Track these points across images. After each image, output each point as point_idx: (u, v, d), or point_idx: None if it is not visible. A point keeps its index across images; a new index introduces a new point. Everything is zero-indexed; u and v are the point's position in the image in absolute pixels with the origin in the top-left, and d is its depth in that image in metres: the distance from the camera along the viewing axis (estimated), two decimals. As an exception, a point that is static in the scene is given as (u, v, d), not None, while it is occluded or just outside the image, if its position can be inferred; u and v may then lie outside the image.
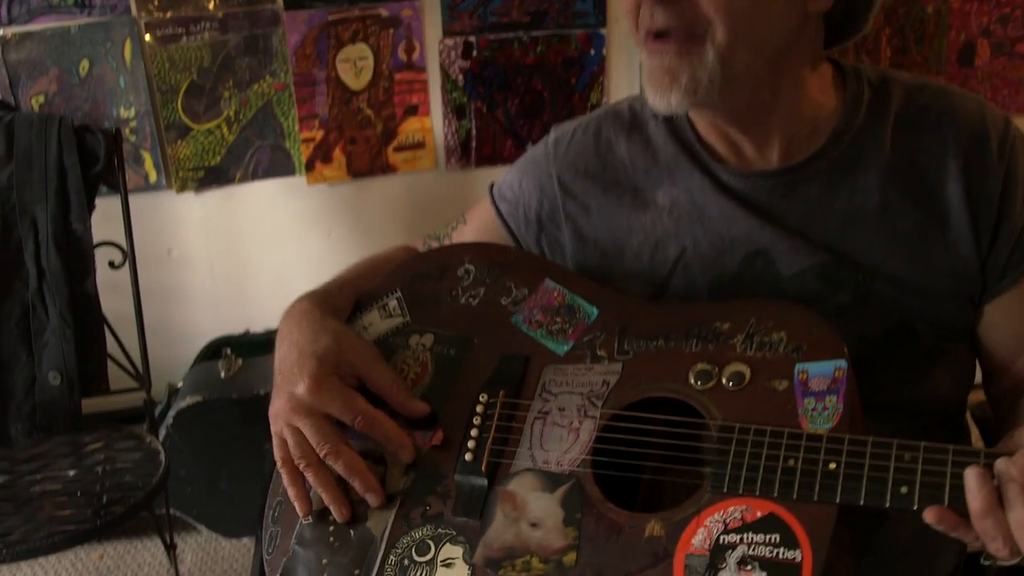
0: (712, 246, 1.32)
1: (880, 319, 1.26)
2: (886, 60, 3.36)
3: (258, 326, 3.20)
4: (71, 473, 2.14)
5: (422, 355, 1.32)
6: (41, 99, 2.92)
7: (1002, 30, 3.43)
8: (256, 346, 3.11)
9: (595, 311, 1.28)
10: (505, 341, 1.29)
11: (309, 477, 1.22)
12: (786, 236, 1.28)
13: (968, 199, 1.24)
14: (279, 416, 1.24)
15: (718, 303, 1.27)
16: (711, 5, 1.16)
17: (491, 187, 1.55)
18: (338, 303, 1.37)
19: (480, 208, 1.55)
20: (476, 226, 1.53)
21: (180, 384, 2.94)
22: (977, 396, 1.41)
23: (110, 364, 2.33)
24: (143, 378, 2.44)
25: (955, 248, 1.25)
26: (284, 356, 1.29)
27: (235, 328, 3.19)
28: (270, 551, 1.24)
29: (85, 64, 2.93)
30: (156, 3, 2.91)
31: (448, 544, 1.15)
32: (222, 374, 2.86)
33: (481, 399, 1.25)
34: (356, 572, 1.17)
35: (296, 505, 1.23)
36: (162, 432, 2.70)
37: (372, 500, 1.20)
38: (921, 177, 1.27)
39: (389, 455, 1.24)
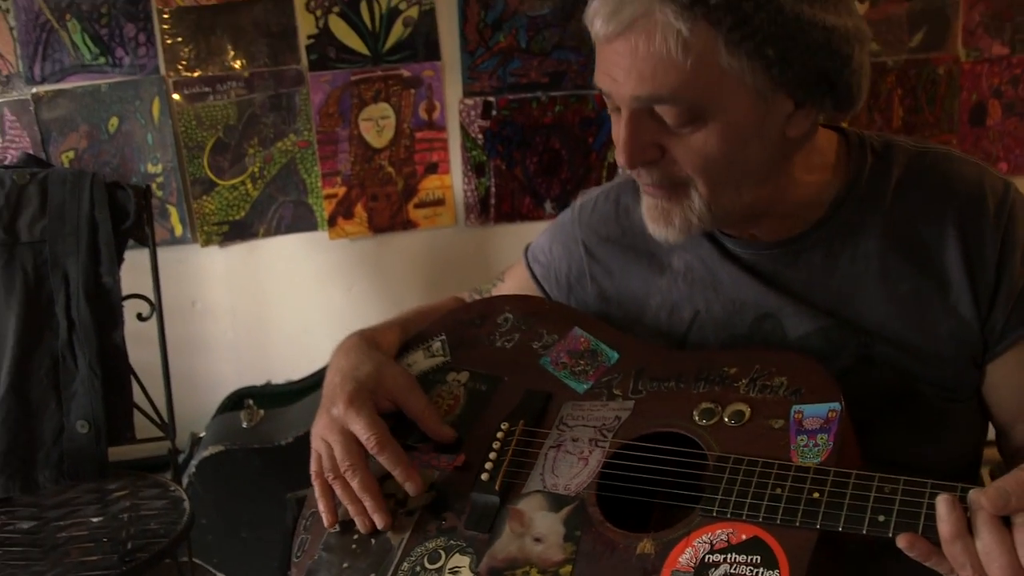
0: (724, 309, 1.39)
1: (882, 380, 1.30)
2: (898, 120, 3.41)
3: (279, 378, 3.25)
4: (97, 520, 2.18)
5: (456, 389, 1.44)
6: (71, 155, 3.00)
7: (1013, 91, 3.49)
8: (277, 397, 3.15)
9: (616, 355, 1.38)
10: (532, 379, 1.41)
11: (336, 490, 1.32)
12: (791, 301, 1.34)
13: (966, 264, 1.28)
14: (317, 432, 1.36)
15: (728, 351, 1.35)
16: (688, 166, 1.23)
17: (526, 249, 1.65)
18: (386, 339, 1.49)
19: (517, 268, 1.65)
20: (513, 284, 1.64)
21: (202, 434, 2.98)
22: (994, 453, 1.43)
23: (135, 413, 2.38)
24: (168, 427, 2.49)
25: (955, 311, 1.29)
26: (329, 381, 1.40)
27: (256, 379, 3.23)
28: (298, 555, 1.35)
29: (114, 121, 3.01)
30: (184, 62, 3.00)
31: (457, 554, 1.25)
32: (244, 424, 2.90)
33: (502, 427, 1.36)
34: None
35: (323, 516, 1.33)
36: (184, 481, 2.74)
37: (378, 521, 1.29)
38: (920, 242, 1.30)
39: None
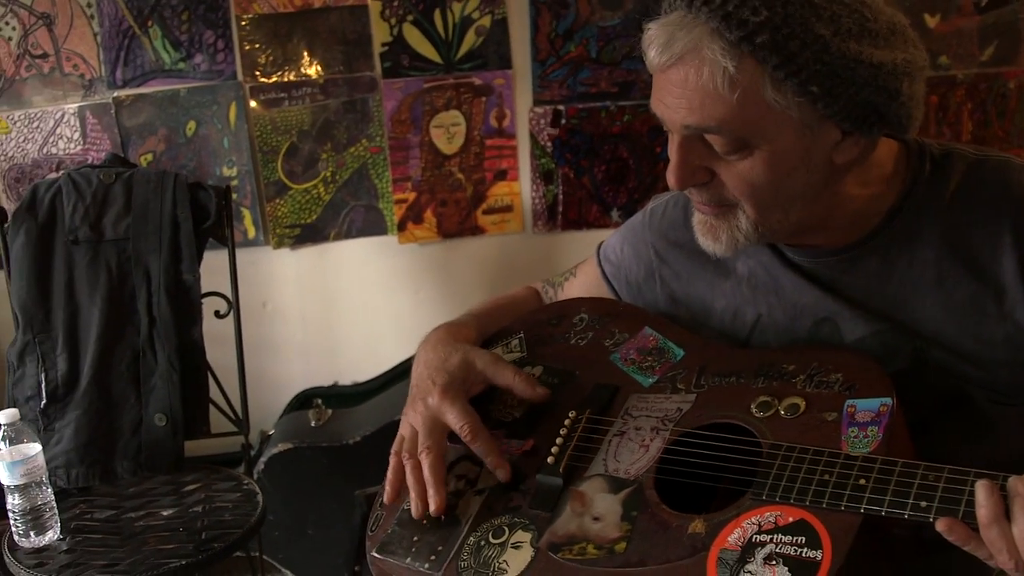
0: (785, 313, 1.43)
1: (936, 384, 1.32)
2: (967, 134, 3.40)
3: (346, 379, 3.31)
4: (172, 511, 2.23)
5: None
6: (149, 157, 3.08)
7: (1084, 106, 3.46)
8: (344, 398, 3.21)
9: (681, 352, 1.45)
10: (602, 373, 1.47)
11: (407, 469, 1.40)
12: (848, 306, 1.37)
13: (1022, 271, 1.29)
14: (407, 418, 1.45)
15: (788, 349, 1.39)
16: (735, 189, 1.28)
17: (599, 247, 1.70)
18: (468, 333, 1.56)
19: (588, 265, 1.70)
20: (584, 280, 1.69)
21: (271, 432, 3.05)
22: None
23: (211, 409, 2.45)
24: (243, 423, 2.55)
25: (1011, 317, 1.29)
26: (419, 373, 1.48)
27: (324, 380, 3.30)
28: (373, 528, 1.43)
29: (192, 125, 3.09)
30: (261, 68, 3.07)
31: (520, 530, 1.32)
32: (312, 423, 2.96)
33: (570, 415, 1.42)
34: (440, 548, 1.34)
35: (386, 490, 1.42)
36: (253, 477, 2.79)
37: (433, 504, 1.36)
38: (976, 249, 1.31)
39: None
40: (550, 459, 1.36)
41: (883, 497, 1.11)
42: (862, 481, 1.14)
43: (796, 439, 1.23)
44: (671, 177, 1.29)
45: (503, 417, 1.48)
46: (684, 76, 1.22)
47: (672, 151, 1.28)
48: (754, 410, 1.29)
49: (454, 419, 1.39)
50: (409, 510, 1.40)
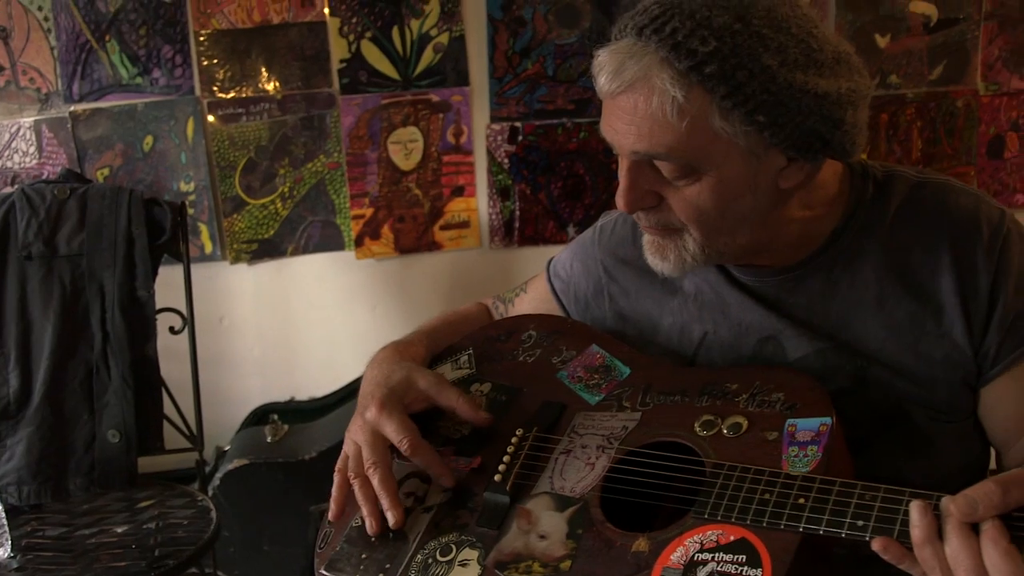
0: (730, 331, 1.45)
1: (877, 401, 1.34)
2: (917, 152, 3.45)
3: (303, 394, 3.31)
4: (125, 528, 2.21)
5: (479, 399, 1.52)
6: (106, 172, 3.07)
7: (1031, 124, 3.53)
8: (301, 413, 3.21)
9: (628, 371, 1.46)
10: (549, 391, 1.49)
11: (355, 488, 1.39)
12: (792, 325, 1.39)
13: (960, 291, 1.31)
14: (349, 435, 1.44)
15: (732, 368, 1.41)
16: (683, 214, 1.30)
17: (549, 263, 1.71)
18: (416, 351, 1.56)
19: (538, 281, 1.71)
20: (534, 296, 1.71)
21: (227, 447, 3.04)
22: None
23: (164, 425, 2.44)
24: (197, 439, 2.55)
25: (949, 337, 1.32)
26: (363, 390, 1.48)
27: (281, 395, 3.30)
28: (321, 546, 1.43)
29: (149, 140, 3.08)
30: (219, 84, 3.07)
31: (468, 548, 1.32)
32: (268, 439, 2.96)
33: (517, 433, 1.43)
34: (388, 566, 1.35)
35: (331, 507, 1.43)
36: (209, 493, 2.78)
37: (391, 518, 1.36)
38: (916, 269, 1.34)
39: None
40: (497, 477, 1.37)
41: (821, 516, 1.13)
42: (801, 500, 1.15)
43: (738, 458, 1.24)
44: (620, 201, 1.30)
45: (451, 434, 1.48)
46: (633, 103, 1.24)
47: (622, 175, 1.30)
48: (698, 429, 1.31)
49: (393, 432, 1.39)
50: (358, 527, 1.40)
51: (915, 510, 1.07)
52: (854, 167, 1.41)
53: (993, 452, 1.43)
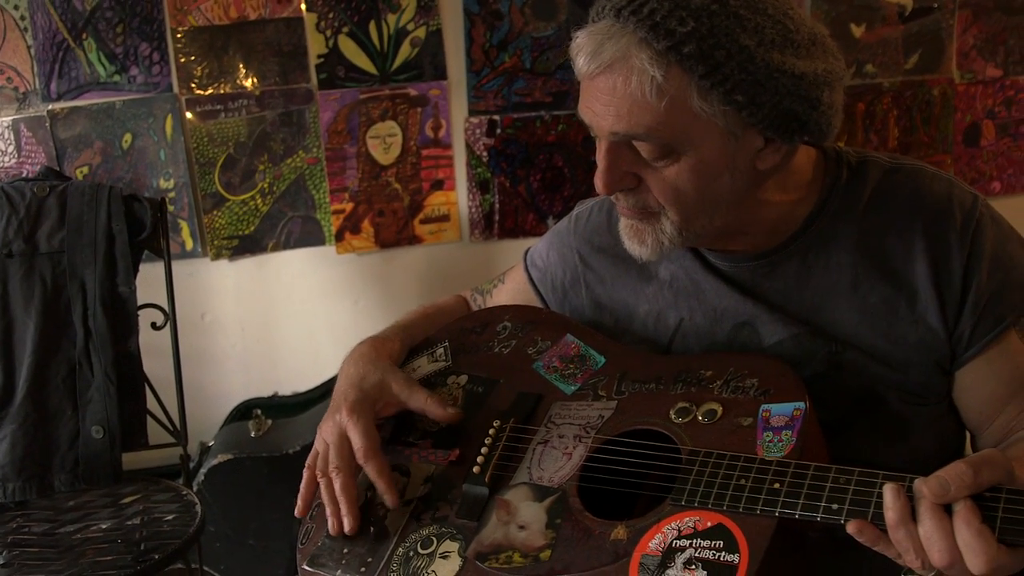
0: (705, 317, 1.46)
1: (852, 385, 1.36)
2: (894, 140, 3.48)
3: (286, 389, 3.31)
4: (110, 523, 2.23)
5: (455, 391, 1.53)
6: (85, 170, 3.07)
7: (1006, 112, 3.56)
8: (284, 408, 3.22)
9: (603, 360, 1.47)
10: (525, 382, 1.50)
11: (321, 486, 1.42)
12: (767, 310, 1.41)
13: (933, 275, 1.33)
14: (320, 431, 1.46)
15: (706, 355, 1.43)
16: (661, 195, 1.31)
17: (526, 253, 1.73)
18: (393, 347, 1.57)
19: (516, 271, 1.73)
20: (512, 287, 1.73)
21: (211, 443, 3.04)
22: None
23: (148, 420, 2.45)
24: (180, 434, 2.55)
25: (923, 320, 1.34)
26: (338, 387, 1.49)
27: (264, 390, 3.30)
28: (303, 542, 1.44)
29: (128, 138, 3.08)
30: (197, 81, 3.08)
31: (448, 540, 1.34)
32: (252, 434, 2.96)
33: (494, 424, 1.44)
34: (369, 560, 1.36)
35: (298, 503, 1.44)
36: (194, 488, 2.79)
37: (346, 524, 1.38)
38: (890, 254, 1.36)
39: (414, 466, 1.45)
40: (475, 468, 1.38)
41: (797, 501, 1.14)
42: (776, 485, 1.17)
43: (714, 444, 1.26)
44: (599, 182, 1.31)
45: (429, 427, 1.50)
46: (612, 84, 1.25)
47: (600, 157, 1.31)
48: (673, 416, 1.32)
49: (356, 437, 1.40)
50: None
51: (888, 492, 1.08)
52: (828, 153, 1.43)
53: (968, 434, 1.45)
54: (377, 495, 1.40)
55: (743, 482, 1.19)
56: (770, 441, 1.23)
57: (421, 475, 1.43)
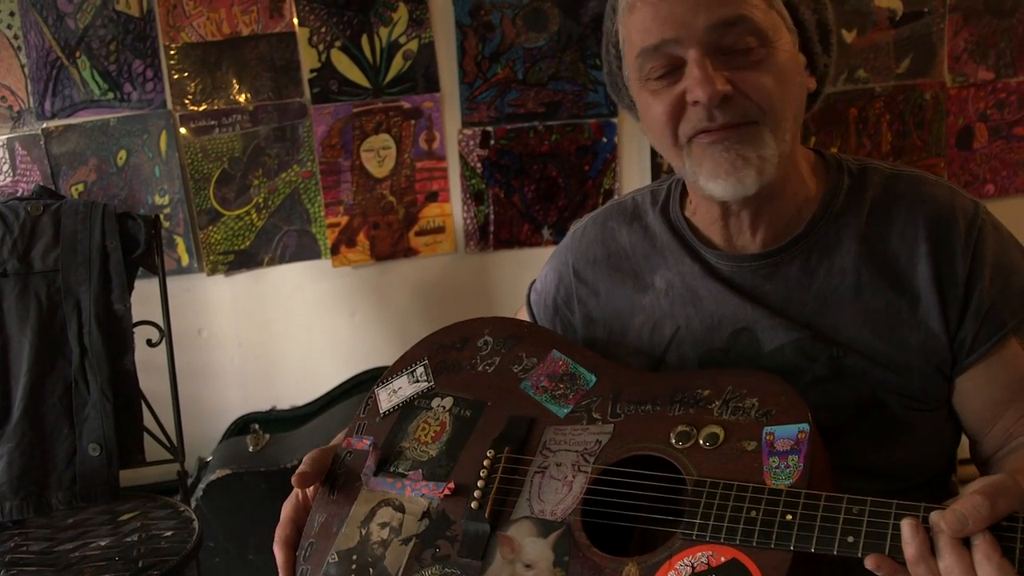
0: (703, 324, 1.45)
1: (852, 390, 1.36)
2: (887, 145, 3.48)
3: (284, 403, 3.32)
4: (109, 540, 2.23)
5: (442, 416, 1.46)
6: (80, 187, 3.08)
7: (998, 114, 3.56)
8: (282, 422, 3.22)
9: (594, 379, 1.42)
10: (514, 404, 1.44)
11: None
12: (768, 314, 1.40)
13: (936, 280, 1.34)
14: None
15: (701, 372, 1.41)
16: (756, 95, 1.29)
17: (530, 286, 1.73)
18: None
19: (522, 310, 1.73)
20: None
21: (209, 458, 3.05)
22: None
23: (145, 437, 2.45)
24: (178, 450, 2.56)
25: (925, 325, 1.34)
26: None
27: (262, 405, 3.31)
28: None
29: (123, 154, 3.09)
30: (190, 97, 3.08)
31: None
32: (250, 448, 2.96)
33: (488, 454, 1.38)
34: None
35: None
36: (192, 504, 2.79)
37: None
38: (893, 259, 1.37)
39: (407, 501, 1.39)
40: (474, 504, 1.33)
41: (811, 534, 1.11)
42: (788, 516, 1.14)
43: (719, 472, 1.22)
44: (701, 91, 1.28)
45: (419, 456, 1.44)
46: None
47: (694, 68, 1.28)
48: (674, 441, 1.28)
49: (283, 515, 1.50)
50: (335, 563, 1.37)
51: (907, 528, 1.07)
52: (828, 160, 1.46)
53: (966, 439, 1.45)
54: (375, 531, 1.37)
55: (754, 514, 1.16)
56: (777, 467, 1.19)
57: (417, 510, 1.37)
